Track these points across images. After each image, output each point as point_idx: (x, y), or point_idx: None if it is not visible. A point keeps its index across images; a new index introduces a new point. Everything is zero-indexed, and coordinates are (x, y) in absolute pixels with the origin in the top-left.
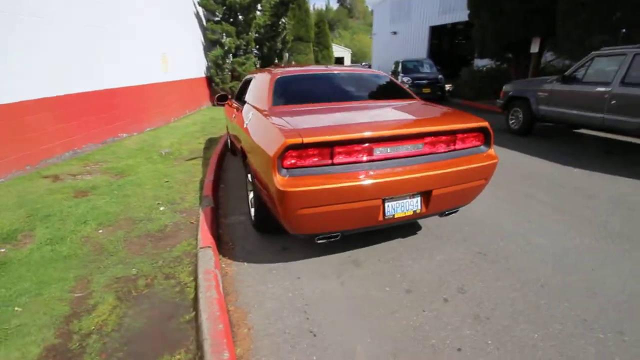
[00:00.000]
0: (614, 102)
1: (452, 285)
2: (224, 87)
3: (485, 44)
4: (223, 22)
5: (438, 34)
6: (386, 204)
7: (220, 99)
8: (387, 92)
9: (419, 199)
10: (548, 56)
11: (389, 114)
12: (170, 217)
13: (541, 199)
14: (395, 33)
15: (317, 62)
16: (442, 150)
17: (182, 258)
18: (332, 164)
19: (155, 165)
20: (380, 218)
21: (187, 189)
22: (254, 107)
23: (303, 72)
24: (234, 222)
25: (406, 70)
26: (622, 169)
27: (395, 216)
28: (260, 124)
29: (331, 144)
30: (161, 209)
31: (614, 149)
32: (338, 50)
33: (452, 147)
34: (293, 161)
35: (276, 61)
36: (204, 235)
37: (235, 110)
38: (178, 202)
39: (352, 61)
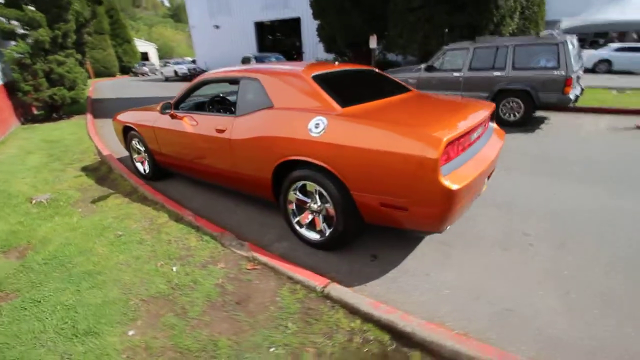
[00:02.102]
0: (465, 83)
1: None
2: (39, 97)
3: (335, 40)
4: (24, 6)
5: (260, 29)
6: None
7: (166, 108)
8: (398, 86)
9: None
10: (377, 52)
11: (443, 105)
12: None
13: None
14: (218, 27)
15: (118, 58)
16: (486, 130)
17: (324, 308)
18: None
19: (64, 223)
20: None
21: (185, 244)
22: (292, 114)
23: (329, 70)
24: (282, 250)
25: None
26: None
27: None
28: (369, 129)
29: (457, 138)
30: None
31: None
32: (141, 45)
33: (487, 126)
34: (445, 158)
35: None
36: (314, 277)
37: (206, 122)
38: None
39: (160, 57)
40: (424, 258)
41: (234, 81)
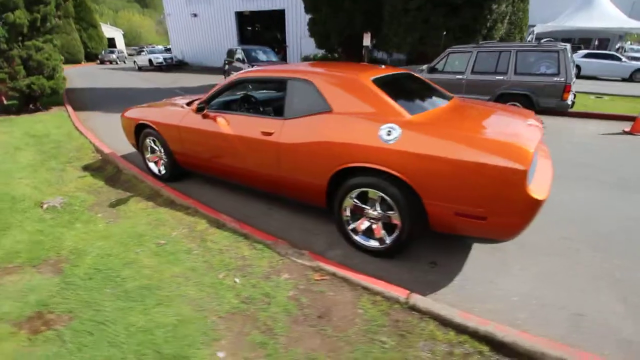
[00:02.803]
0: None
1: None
2: (16, 86)
3: (328, 37)
4: None
5: (240, 20)
6: None
7: (201, 107)
8: (440, 90)
9: None
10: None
11: (499, 112)
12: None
13: None
14: (195, 15)
15: (83, 44)
16: None
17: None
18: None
19: (90, 231)
20: None
21: (237, 253)
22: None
23: (382, 74)
24: (338, 259)
25: (251, 59)
26: None
27: None
28: (450, 138)
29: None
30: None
31: None
32: (107, 30)
33: None
34: None
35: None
36: (392, 288)
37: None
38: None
39: (126, 44)
40: (481, 264)
41: (278, 82)
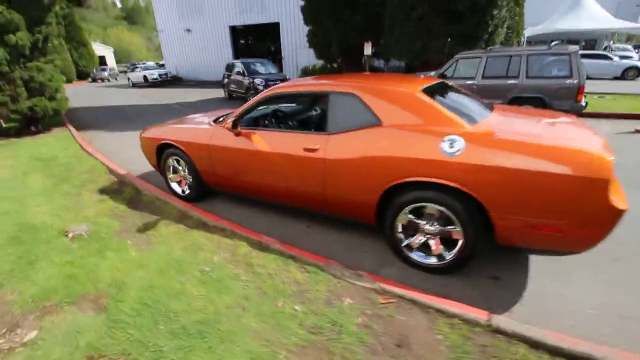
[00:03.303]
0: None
1: None
2: (18, 108)
3: (328, 47)
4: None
5: (233, 34)
6: None
7: (236, 124)
8: (478, 99)
9: None
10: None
11: (553, 118)
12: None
13: None
14: (189, 31)
15: (74, 63)
16: None
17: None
18: None
19: (123, 260)
20: None
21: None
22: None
23: (427, 84)
24: (394, 278)
25: (251, 72)
26: None
27: None
28: (521, 149)
29: None
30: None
31: None
32: (97, 48)
33: None
34: None
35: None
36: (468, 309)
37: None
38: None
39: (117, 61)
40: (544, 276)
41: (318, 96)
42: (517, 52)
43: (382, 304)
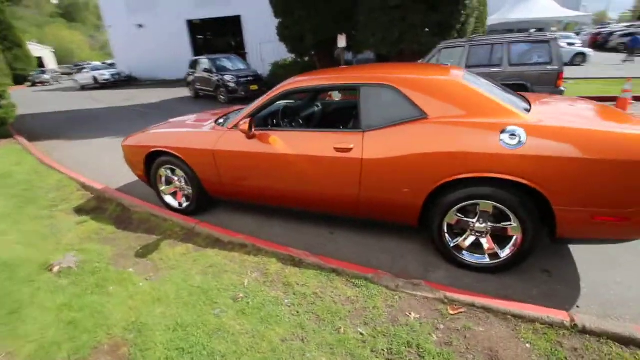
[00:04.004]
0: None
1: None
2: None
3: (301, 40)
4: None
5: (190, 29)
6: None
7: (252, 125)
8: (509, 89)
9: None
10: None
11: (592, 103)
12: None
13: None
14: (141, 26)
15: (9, 65)
16: None
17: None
18: None
19: (133, 294)
20: None
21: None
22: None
23: (464, 72)
24: (447, 281)
25: (220, 69)
26: None
27: None
28: (590, 136)
29: None
30: None
31: None
32: (34, 49)
33: None
34: None
35: None
36: (547, 311)
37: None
38: None
39: (58, 62)
40: (593, 264)
41: (345, 90)
42: (499, 40)
43: (452, 315)
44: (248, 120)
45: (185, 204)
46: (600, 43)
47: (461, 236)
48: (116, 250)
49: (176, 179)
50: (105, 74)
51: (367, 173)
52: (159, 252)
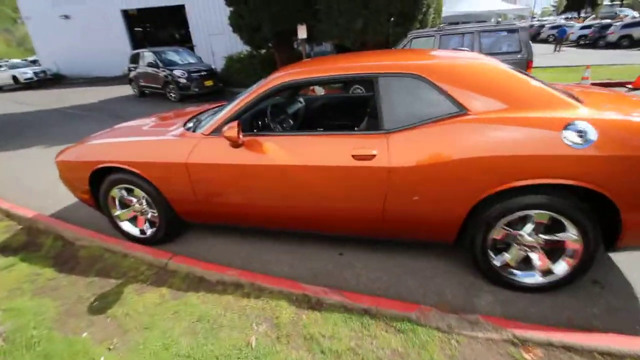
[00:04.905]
0: None
1: None
2: None
3: (257, 30)
4: None
5: (128, 20)
6: None
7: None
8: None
9: None
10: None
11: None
12: None
13: None
14: (67, 17)
15: None
16: None
17: None
18: None
19: None
20: None
21: None
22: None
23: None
24: (498, 310)
25: (167, 63)
26: None
27: None
28: None
29: None
30: None
31: None
32: None
33: None
34: None
35: None
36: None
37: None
38: None
39: None
40: (637, 271)
41: (358, 82)
42: (469, 30)
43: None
44: (235, 124)
45: (149, 231)
46: (532, 35)
47: (506, 252)
48: (60, 305)
49: (135, 200)
50: (28, 72)
51: (395, 185)
52: (122, 304)
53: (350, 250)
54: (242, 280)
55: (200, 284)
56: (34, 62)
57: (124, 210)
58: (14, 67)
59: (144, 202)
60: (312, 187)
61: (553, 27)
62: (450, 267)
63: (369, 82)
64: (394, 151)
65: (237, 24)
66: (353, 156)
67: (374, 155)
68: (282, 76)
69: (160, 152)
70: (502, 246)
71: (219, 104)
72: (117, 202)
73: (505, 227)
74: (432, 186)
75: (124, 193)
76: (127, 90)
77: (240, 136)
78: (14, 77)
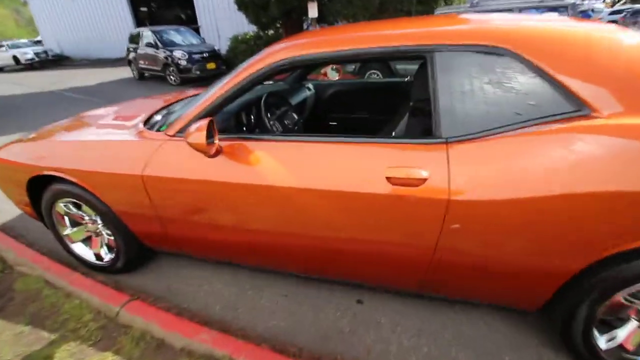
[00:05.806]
0: None
1: None
2: None
3: (265, 8)
4: None
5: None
6: None
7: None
8: None
9: None
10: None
11: None
12: None
13: None
14: None
15: None
16: None
17: None
18: None
19: None
20: None
21: None
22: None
23: None
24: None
25: (168, 43)
26: None
27: None
28: None
29: None
30: None
31: None
32: None
33: None
34: None
35: None
36: None
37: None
38: None
39: None
40: None
41: (398, 56)
42: (508, 6)
43: None
44: (204, 123)
45: (108, 256)
46: None
47: (616, 327)
48: None
49: (87, 217)
50: (29, 53)
51: (456, 225)
52: None
53: (373, 296)
54: (215, 350)
55: (158, 351)
56: (38, 42)
57: (74, 229)
58: (15, 46)
59: (99, 220)
60: (320, 220)
61: (580, 12)
62: (522, 335)
63: (410, 60)
64: (459, 173)
65: (244, 2)
66: (388, 179)
67: (425, 180)
68: (280, 50)
69: (108, 157)
70: (612, 319)
71: (199, 91)
72: (66, 220)
73: (630, 298)
74: (522, 231)
75: (72, 208)
76: (126, 73)
77: (216, 141)
78: (15, 58)
